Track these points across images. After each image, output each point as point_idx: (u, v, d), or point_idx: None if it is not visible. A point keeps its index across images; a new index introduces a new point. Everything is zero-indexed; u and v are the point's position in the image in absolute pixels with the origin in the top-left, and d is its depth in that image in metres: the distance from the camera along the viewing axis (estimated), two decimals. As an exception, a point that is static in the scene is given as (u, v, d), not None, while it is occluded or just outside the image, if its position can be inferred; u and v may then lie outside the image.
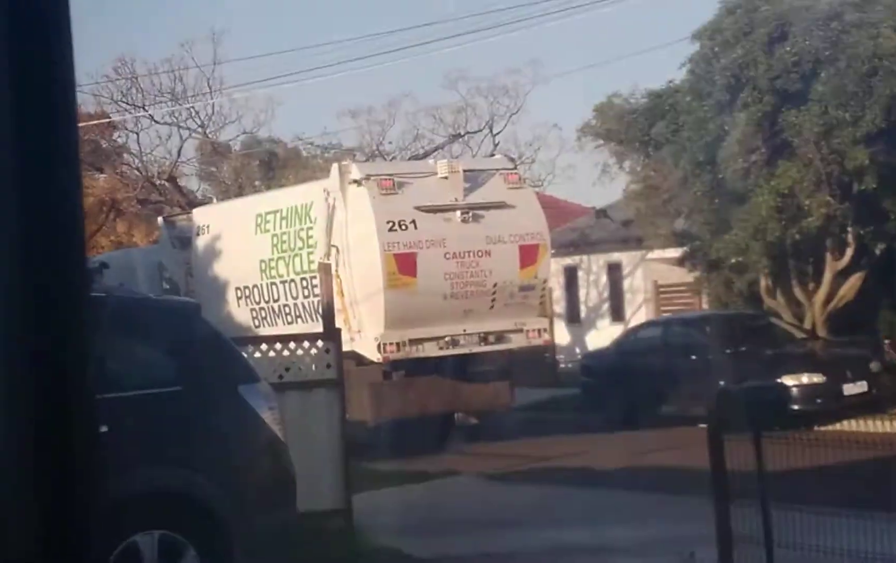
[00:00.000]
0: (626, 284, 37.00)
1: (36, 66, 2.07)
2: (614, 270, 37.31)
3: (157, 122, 42.23)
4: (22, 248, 2.06)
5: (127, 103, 41.58)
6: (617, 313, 36.96)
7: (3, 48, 2.05)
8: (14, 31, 2.05)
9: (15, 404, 2.07)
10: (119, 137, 43.99)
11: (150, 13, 53.89)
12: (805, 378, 21.62)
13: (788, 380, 21.07)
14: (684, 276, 29.81)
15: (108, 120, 41.99)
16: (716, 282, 26.79)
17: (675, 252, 29.13)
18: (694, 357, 23.22)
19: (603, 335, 33.51)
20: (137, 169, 43.16)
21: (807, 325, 25.30)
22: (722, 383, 20.41)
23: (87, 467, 2.12)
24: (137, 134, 42.78)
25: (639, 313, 35.25)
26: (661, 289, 34.63)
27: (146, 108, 41.59)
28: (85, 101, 40.27)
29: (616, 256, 36.90)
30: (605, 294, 37.89)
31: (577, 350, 35.51)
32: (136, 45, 59.51)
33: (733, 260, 25.10)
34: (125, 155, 43.86)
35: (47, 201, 2.08)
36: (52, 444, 2.08)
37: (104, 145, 43.42)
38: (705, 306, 29.35)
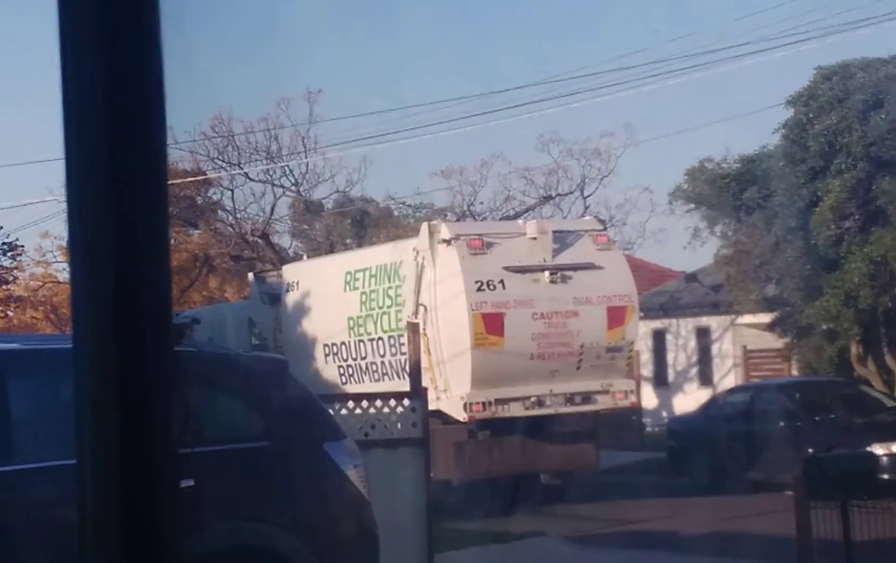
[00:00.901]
0: (714, 348, 36.80)
1: (129, 123, 2.15)
2: (703, 335, 37.12)
3: (251, 179, 42.73)
4: (110, 301, 2.13)
5: (223, 161, 42.12)
6: (705, 378, 36.74)
7: (99, 106, 2.13)
8: (110, 90, 2.13)
9: (100, 457, 2.13)
10: (214, 194, 44.54)
11: (248, 72, 54.56)
12: (895, 447, 21.33)
13: (878, 449, 20.75)
14: (774, 341, 29.58)
15: (203, 177, 42.54)
16: (806, 348, 26.54)
17: (765, 317, 28.94)
18: (782, 424, 22.99)
19: (690, 399, 33.29)
20: (231, 226, 43.64)
21: (898, 393, 25.00)
22: (810, 450, 20.18)
23: (170, 521, 2.18)
24: (232, 191, 43.29)
25: (727, 378, 35.01)
26: (751, 354, 34.37)
27: (241, 165, 42.08)
28: (182, 158, 40.91)
29: (705, 320, 36.71)
30: (694, 358, 37.66)
31: (664, 414, 35.29)
32: (234, 103, 60.30)
33: (824, 326, 24.88)
34: (219, 212, 44.37)
35: (136, 256, 2.14)
36: (135, 497, 2.14)
37: (199, 202, 43.98)
38: (795, 372, 29.08)
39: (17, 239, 40.92)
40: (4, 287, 41.90)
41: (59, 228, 44.39)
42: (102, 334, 2.13)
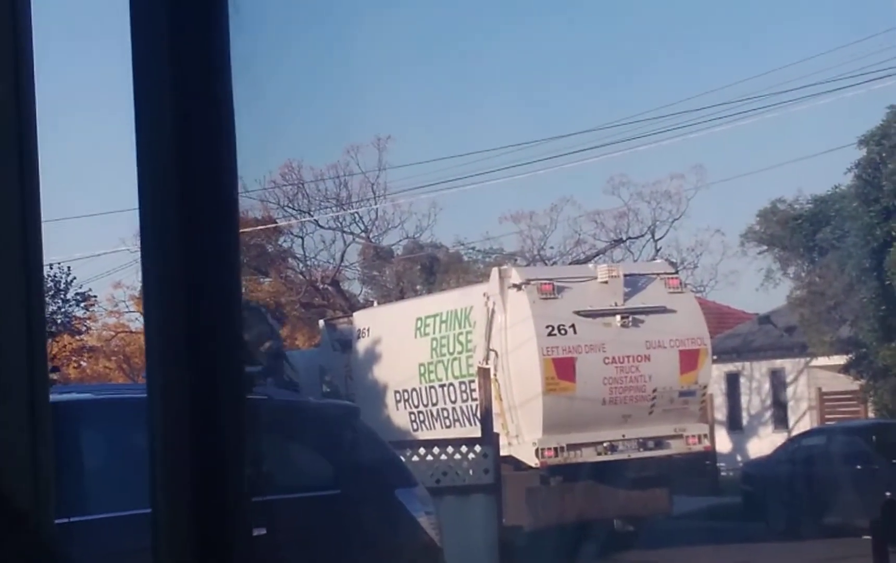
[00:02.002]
0: (789, 391, 36.45)
1: (201, 173, 2.16)
2: (777, 377, 36.80)
3: (321, 227, 42.97)
4: (183, 350, 2.13)
5: (293, 209, 42.40)
6: (780, 421, 36.41)
7: (172, 156, 2.15)
8: (183, 140, 2.15)
9: (174, 506, 2.14)
10: (284, 241, 44.81)
11: (318, 120, 54.98)
12: (975, 490, 21.00)
13: (958, 492, 20.47)
14: (849, 383, 29.28)
15: (274, 225, 42.83)
16: (882, 390, 26.24)
17: (839, 359, 28.65)
18: (859, 467, 22.71)
19: (765, 443, 32.99)
20: (301, 273, 43.87)
21: (977, 435, 24.61)
22: (888, 493, 19.93)
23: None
24: (302, 239, 43.56)
25: (802, 421, 34.67)
26: (826, 396, 34.02)
27: (311, 213, 42.35)
28: (252, 206, 41.20)
29: (779, 362, 36.41)
30: (768, 401, 37.32)
31: (739, 458, 34.96)
32: (304, 151, 60.78)
33: (900, 368, 24.61)
34: (290, 259, 44.63)
35: (209, 305, 2.15)
36: (209, 546, 2.13)
37: (270, 250, 44.26)
38: (871, 414, 28.75)
39: (90, 289, 41.36)
40: (77, 337, 42.34)
41: (132, 279, 44.85)
42: (176, 383, 2.14)
